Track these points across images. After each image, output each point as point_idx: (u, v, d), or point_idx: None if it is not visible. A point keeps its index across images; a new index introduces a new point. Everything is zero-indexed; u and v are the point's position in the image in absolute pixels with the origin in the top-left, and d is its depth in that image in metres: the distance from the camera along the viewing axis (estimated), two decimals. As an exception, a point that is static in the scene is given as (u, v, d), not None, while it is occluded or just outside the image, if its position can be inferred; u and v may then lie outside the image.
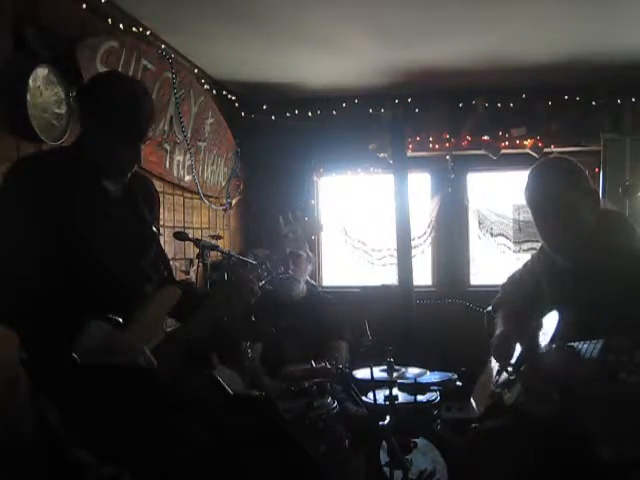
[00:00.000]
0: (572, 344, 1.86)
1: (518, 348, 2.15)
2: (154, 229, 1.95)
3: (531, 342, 2.07)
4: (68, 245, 1.68)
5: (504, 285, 2.41)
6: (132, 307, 1.74)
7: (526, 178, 2.06)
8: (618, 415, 1.77)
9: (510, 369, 2.13)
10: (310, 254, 3.64)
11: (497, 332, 2.23)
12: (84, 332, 1.57)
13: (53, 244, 1.66)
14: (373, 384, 2.80)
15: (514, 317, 2.23)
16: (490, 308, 2.43)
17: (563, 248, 2.01)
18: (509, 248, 4.73)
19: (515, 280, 2.37)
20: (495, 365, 2.34)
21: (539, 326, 2.07)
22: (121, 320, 1.66)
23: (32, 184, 1.67)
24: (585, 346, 1.80)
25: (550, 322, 2.03)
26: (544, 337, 2.04)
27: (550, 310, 2.05)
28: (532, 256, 2.32)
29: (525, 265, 2.34)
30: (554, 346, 1.94)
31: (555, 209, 1.95)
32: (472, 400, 2.35)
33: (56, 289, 1.64)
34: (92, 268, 1.72)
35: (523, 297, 2.26)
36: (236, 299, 1.94)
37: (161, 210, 3.55)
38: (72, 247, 1.68)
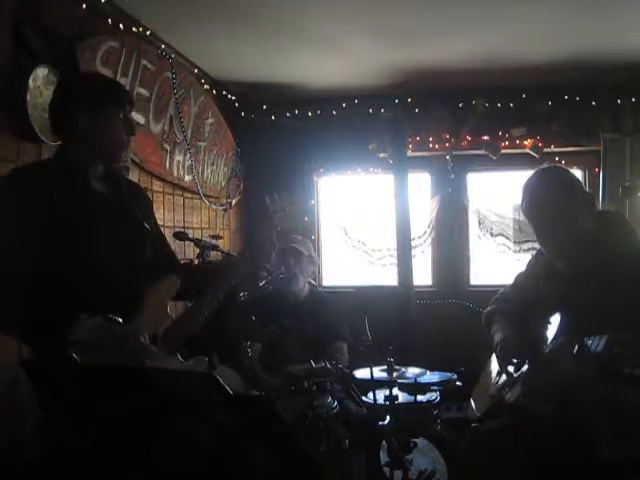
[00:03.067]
0: (576, 339, 1.86)
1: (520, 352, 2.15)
2: (147, 227, 1.97)
3: (534, 342, 2.07)
4: (63, 248, 1.68)
5: (496, 298, 2.42)
6: (131, 306, 1.76)
7: (521, 190, 2.07)
8: (624, 410, 1.77)
9: (512, 371, 2.13)
10: (314, 255, 3.63)
11: (499, 337, 2.22)
12: (77, 324, 1.58)
13: (48, 249, 1.66)
14: (373, 384, 2.80)
15: (512, 323, 2.23)
16: (482, 320, 2.41)
17: (564, 255, 2.02)
18: (509, 248, 4.73)
19: (508, 291, 2.38)
20: (495, 366, 2.34)
21: (542, 328, 2.07)
22: (120, 320, 1.67)
23: (22, 192, 1.68)
24: (589, 342, 1.80)
25: (552, 324, 2.03)
26: (547, 339, 2.04)
27: (552, 313, 2.05)
28: (528, 262, 2.33)
29: (519, 275, 2.35)
30: (558, 343, 1.94)
31: (554, 219, 1.96)
32: (472, 400, 2.35)
33: (55, 292, 1.65)
34: (89, 269, 1.73)
35: (518, 304, 2.26)
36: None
37: (161, 210, 3.59)
38: (68, 250, 1.69)
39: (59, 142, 2.52)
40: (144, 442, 1.60)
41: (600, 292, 1.86)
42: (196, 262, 3.61)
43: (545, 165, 2.22)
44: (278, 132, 4.78)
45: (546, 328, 2.05)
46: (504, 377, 2.22)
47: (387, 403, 2.81)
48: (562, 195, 1.97)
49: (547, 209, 1.97)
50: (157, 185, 3.57)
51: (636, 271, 1.88)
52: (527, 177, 2.09)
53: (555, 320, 2.03)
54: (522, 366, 2.11)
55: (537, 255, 2.26)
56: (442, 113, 4.66)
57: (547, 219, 1.98)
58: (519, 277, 2.34)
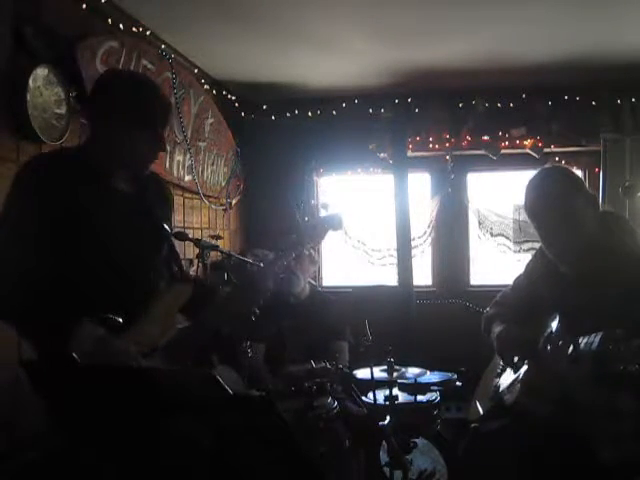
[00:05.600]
0: (572, 339, 1.87)
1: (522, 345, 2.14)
2: (166, 228, 1.93)
3: (532, 342, 2.07)
4: (77, 244, 1.68)
5: (495, 301, 2.41)
6: (143, 305, 1.74)
7: (524, 190, 2.07)
8: (620, 408, 1.78)
9: (514, 364, 2.13)
10: (315, 255, 3.63)
11: (500, 331, 2.21)
12: (74, 335, 1.57)
13: (63, 243, 1.66)
14: (373, 384, 2.80)
15: (513, 320, 2.23)
16: (482, 324, 2.41)
17: (567, 255, 2.01)
18: (509, 248, 4.73)
19: (507, 294, 2.38)
20: (496, 366, 2.34)
21: (541, 327, 2.07)
22: (120, 320, 1.66)
23: (42, 183, 1.66)
24: (584, 340, 1.80)
25: (551, 324, 2.03)
26: (544, 338, 2.04)
27: (551, 313, 2.05)
28: (527, 263, 2.33)
29: (518, 277, 2.35)
30: (555, 343, 1.94)
31: (559, 218, 1.96)
32: (476, 401, 2.35)
33: (66, 288, 1.64)
34: (102, 267, 1.71)
35: (518, 304, 2.25)
36: (251, 293, 1.96)
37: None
38: (81, 246, 1.68)
39: (61, 142, 2.54)
40: (144, 442, 1.60)
41: (601, 293, 1.86)
42: (196, 267, 3.61)
43: (548, 165, 2.22)
44: (278, 132, 4.78)
45: (545, 329, 2.05)
46: (505, 375, 2.22)
47: (387, 403, 2.81)
48: (567, 195, 1.97)
49: (552, 209, 1.97)
50: (157, 185, 3.57)
51: (637, 273, 1.88)
52: (529, 177, 2.08)
53: (554, 321, 2.03)
54: (524, 361, 2.11)
55: (536, 256, 2.26)
56: (442, 113, 4.66)
57: (552, 219, 1.98)
58: (518, 280, 2.34)
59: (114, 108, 1.74)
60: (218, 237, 4.07)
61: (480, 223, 4.80)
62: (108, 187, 1.79)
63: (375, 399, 2.81)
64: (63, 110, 2.57)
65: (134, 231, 1.82)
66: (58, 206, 1.65)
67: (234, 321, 2.01)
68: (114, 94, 1.76)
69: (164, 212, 1.97)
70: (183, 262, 3.76)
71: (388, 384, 2.85)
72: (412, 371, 2.99)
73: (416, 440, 2.85)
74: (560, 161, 4.44)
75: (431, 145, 4.68)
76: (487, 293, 2.58)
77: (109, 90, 1.79)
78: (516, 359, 2.13)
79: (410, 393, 2.93)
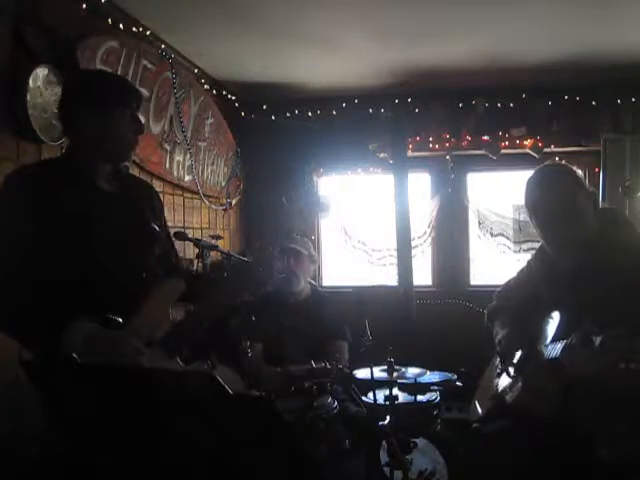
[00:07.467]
0: (572, 338, 1.87)
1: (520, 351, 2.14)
2: (154, 226, 1.95)
3: (534, 342, 2.07)
4: (68, 248, 1.68)
5: (499, 293, 2.41)
6: (134, 306, 1.75)
7: (525, 185, 2.07)
8: (620, 407, 1.78)
9: (512, 371, 2.13)
10: (314, 254, 3.63)
11: (501, 334, 2.22)
12: (65, 334, 1.57)
13: (53, 248, 1.66)
14: (373, 384, 2.80)
15: (514, 321, 2.23)
16: (485, 317, 2.40)
17: (569, 251, 2.02)
18: (509, 248, 4.73)
19: (510, 287, 2.37)
20: (497, 366, 2.34)
21: (542, 326, 2.07)
22: (120, 320, 1.66)
23: (27, 189, 1.68)
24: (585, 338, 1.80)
25: (552, 322, 2.03)
26: (547, 337, 2.04)
27: (553, 311, 2.05)
28: (529, 260, 2.33)
29: (521, 271, 2.35)
30: (556, 342, 1.94)
31: (559, 214, 1.96)
32: (476, 402, 2.35)
33: (58, 291, 1.64)
34: (92, 268, 1.72)
35: (520, 302, 2.25)
36: (253, 282, 2.00)
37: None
38: (70, 248, 1.68)
39: (60, 142, 2.54)
40: (143, 442, 1.60)
41: (601, 289, 1.86)
42: (196, 266, 3.62)
43: (549, 162, 2.23)
44: (278, 132, 4.77)
45: (547, 325, 2.05)
46: (505, 377, 2.22)
47: (387, 403, 2.81)
48: (568, 190, 1.98)
49: (553, 204, 1.98)
50: (157, 185, 3.56)
51: (636, 268, 1.88)
52: (530, 174, 2.08)
53: (556, 317, 2.03)
54: (523, 365, 2.11)
55: (536, 255, 2.26)
56: (442, 113, 4.66)
57: (552, 214, 1.98)
58: (521, 273, 2.34)
59: (85, 100, 1.78)
60: (218, 237, 4.06)
61: (480, 223, 4.80)
62: (93, 188, 1.81)
63: (375, 399, 2.81)
64: (63, 110, 2.57)
65: (122, 231, 1.83)
66: (45, 209, 1.66)
67: (226, 312, 2.02)
68: (82, 88, 1.83)
69: (151, 211, 1.99)
70: (182, 262, 3.77)
71: (388, 384, 2.84)
72: (412, 371, 2.99)
73: (416, 440, 2.85)
74: (560, 161, 4.44)
75: (431, 145, 4.68)
76: (487, 293, 2.57)
77: (75, 87, 1.86)
78: (512, 369, 2.13)
79: (410, 393, 2.93)
